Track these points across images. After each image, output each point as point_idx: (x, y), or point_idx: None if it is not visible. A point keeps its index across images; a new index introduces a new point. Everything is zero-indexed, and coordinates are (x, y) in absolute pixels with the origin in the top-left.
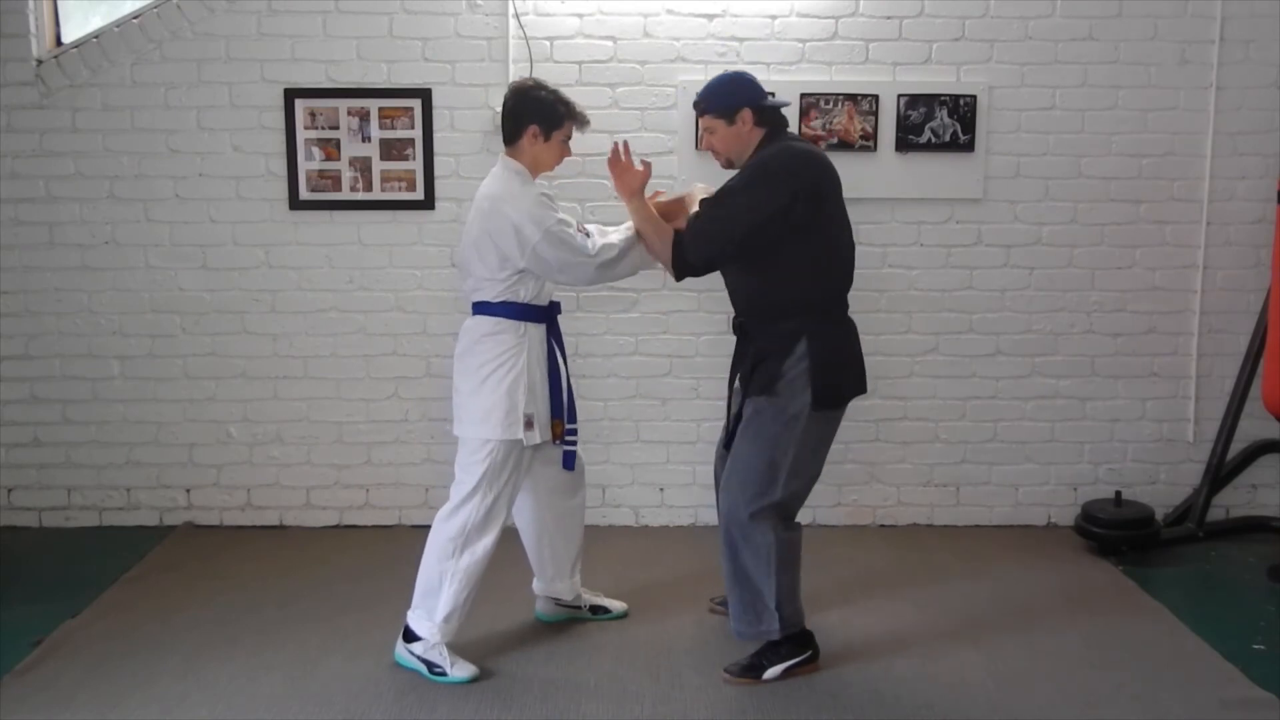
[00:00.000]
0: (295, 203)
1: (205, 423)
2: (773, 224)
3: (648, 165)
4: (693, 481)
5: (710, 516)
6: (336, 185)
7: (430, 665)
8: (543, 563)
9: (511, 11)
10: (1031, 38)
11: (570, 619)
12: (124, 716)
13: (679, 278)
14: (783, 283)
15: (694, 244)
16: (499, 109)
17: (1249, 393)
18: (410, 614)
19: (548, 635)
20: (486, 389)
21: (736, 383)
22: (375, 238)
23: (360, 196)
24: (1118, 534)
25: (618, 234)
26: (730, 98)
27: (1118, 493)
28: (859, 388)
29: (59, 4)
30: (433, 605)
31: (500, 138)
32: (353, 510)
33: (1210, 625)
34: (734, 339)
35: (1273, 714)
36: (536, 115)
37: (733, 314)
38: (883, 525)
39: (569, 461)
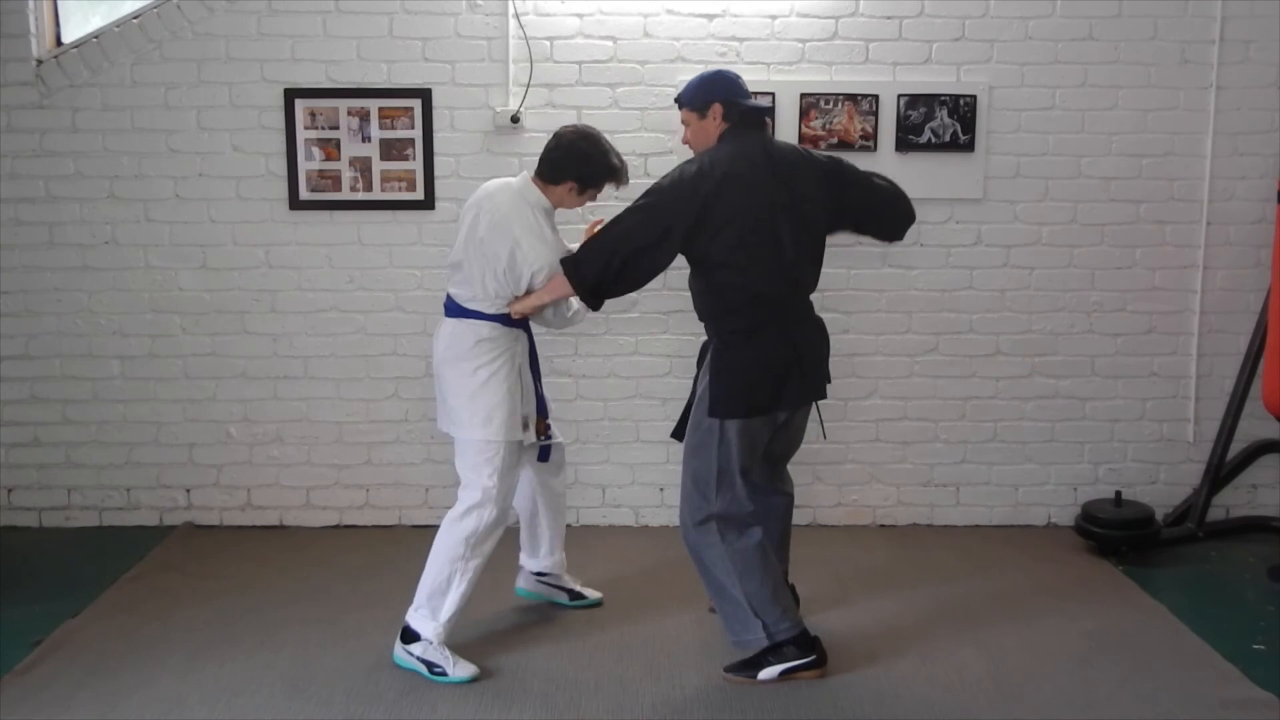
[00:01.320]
0: (295, 203)
1: (205, 423)
2: (656, 251)
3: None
4: None
5: None
6: (336, 185)
7: (430, 665)
8: (536, 540)
9: (511, 11)
10: (1031, 38)
11: (547, 600)
12: (124, 716)
13: (587, 302)
14: (704, 294)
15: (579, 262)
16: (499, 109)
17: (1249, 393)
18: (411, 614)
19: (548, 635)
20: (488, 392)
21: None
22: (375, 238)
23: (360, 196)
24: (1118, 534)
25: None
26: (704, 92)
27: (1118, 493)
28: (786, 400)
29: (59, 4)
30: (439, 605)
31: (501, 138)
32: (353, 510)
33: (1210, 625)
34: None
35: (1273, 714)
36: (578, 173)
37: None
38: (883, 525)
39: (544, 454)
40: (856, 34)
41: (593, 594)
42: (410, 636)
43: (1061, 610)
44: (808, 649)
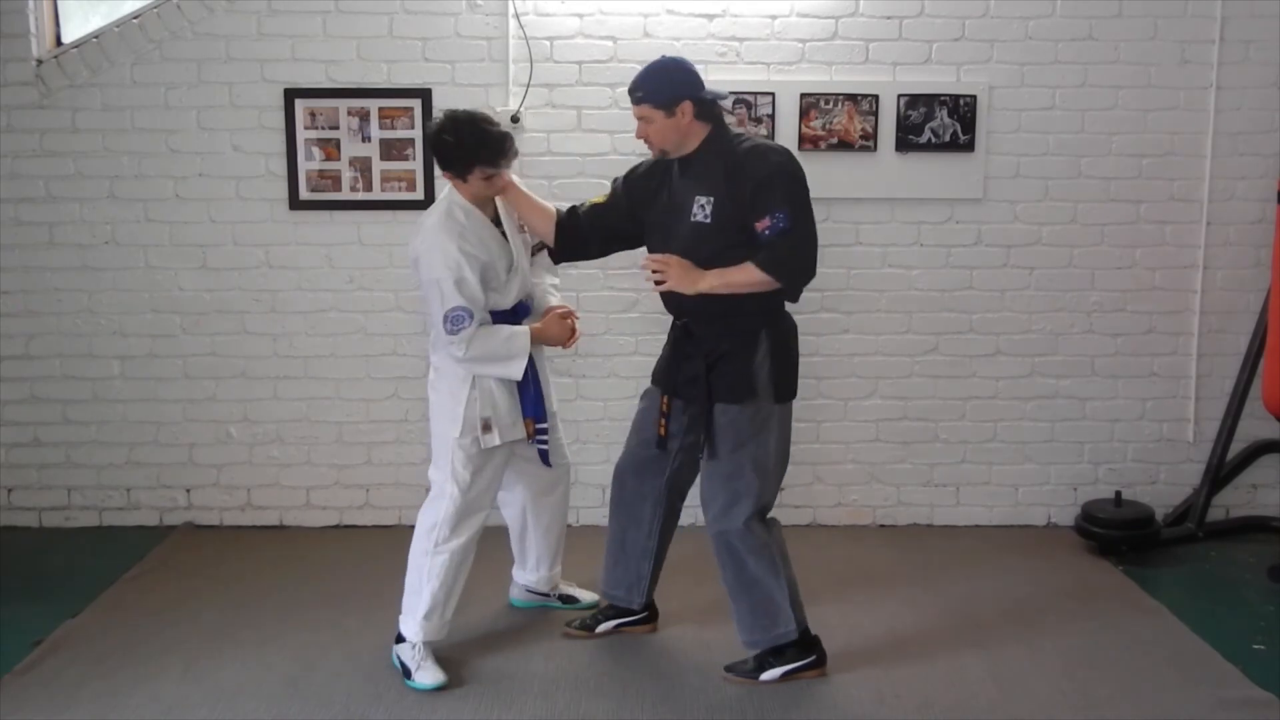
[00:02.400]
0: (295, 203)
1: (205, 423)
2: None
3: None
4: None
5: None
6: (336, 185)
7: (404, 668)
8: (523, 553)
9: (511, 11)
10: (1031, 38)
11: (541, 606)
12: (124, 716)
13: (795, 297)
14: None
15: (800, 275)
16: (499, 109)
17: (1249, 393)
18: (400, 616)
19: (548, 635)
20: (446, 388)
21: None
22: (375, 238)
23: (360, 196)
24: (1118, 534)
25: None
26: (671, 90)
27: (1118, 493)
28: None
29: (59, 4)
30: (414, 604)
31: None
32: (353, 510)
33: (1210, 625)
34: None
35: (1273, 714)
36: (441, 160)
37: (672, 319)
38: (883, 525)
39: (545, 459)
40: (856, 34)
41: (587, 596)
42: (401, 637)
43: (1061, 610)
44: (807, 650)
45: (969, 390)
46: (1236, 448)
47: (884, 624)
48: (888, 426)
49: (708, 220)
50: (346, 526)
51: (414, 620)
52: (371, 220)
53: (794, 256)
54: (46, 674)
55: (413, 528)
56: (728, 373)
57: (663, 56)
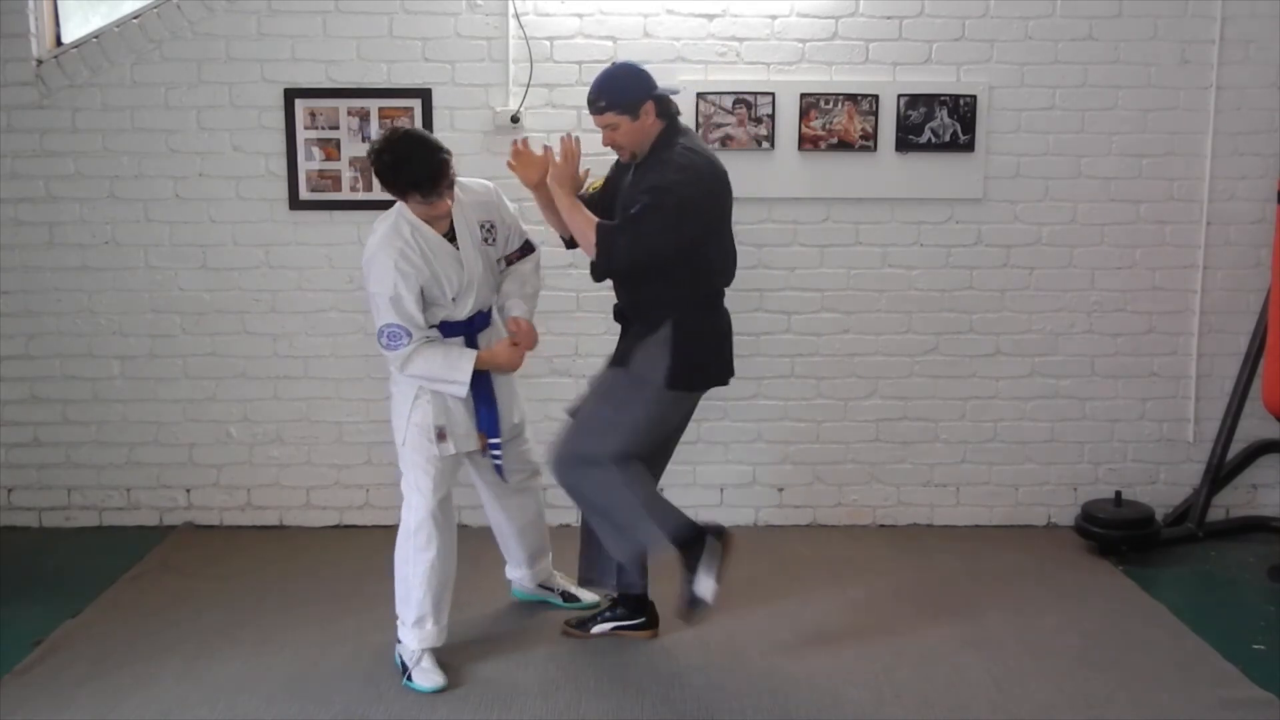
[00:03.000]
0: (295, 203)
1: (205, 423)
2: (688, 245)
3: (548, 150)
4: (693, 482)
5: (711, 516)
6: (336, 185)
7: (404, 669)
8: (508, 551)
9: (511, 11)
10: (1031, 38)
11: (542, 600)
12: (124, 716)
13: (599, 279)
14: (665, 280)
15: (606, 254)
16: (499, 109)
17: (1249, 393)
18: (398, 623)
19: (548, 636)
20: (403, 395)
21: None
22: None
23: (360, 196)
24: (1118, 534)
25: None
26: (633, 93)
27: (1118, 493)
28: (717, 379)
29: (59, 4)
30: (405, 611)
31: (501, 138)
32: (353, 510)
33: (1210, 625)
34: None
35: (1273, 714)
36: (378, 177)
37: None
38: (883, 525)
39: (500, 473)
40: (856, 34)
41: (588, 595)
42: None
43: (1061, 610)
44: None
45: (969, 390)
46: (1236, 448)
47: (884, 624)
48: (888, 426)
49: None
50: (346, 526)
51: (407, 628)
52: (371, 220)
53: (618, 234)
54: (46, 674)
55: None
56: (626, 346)
57: (613, 64)
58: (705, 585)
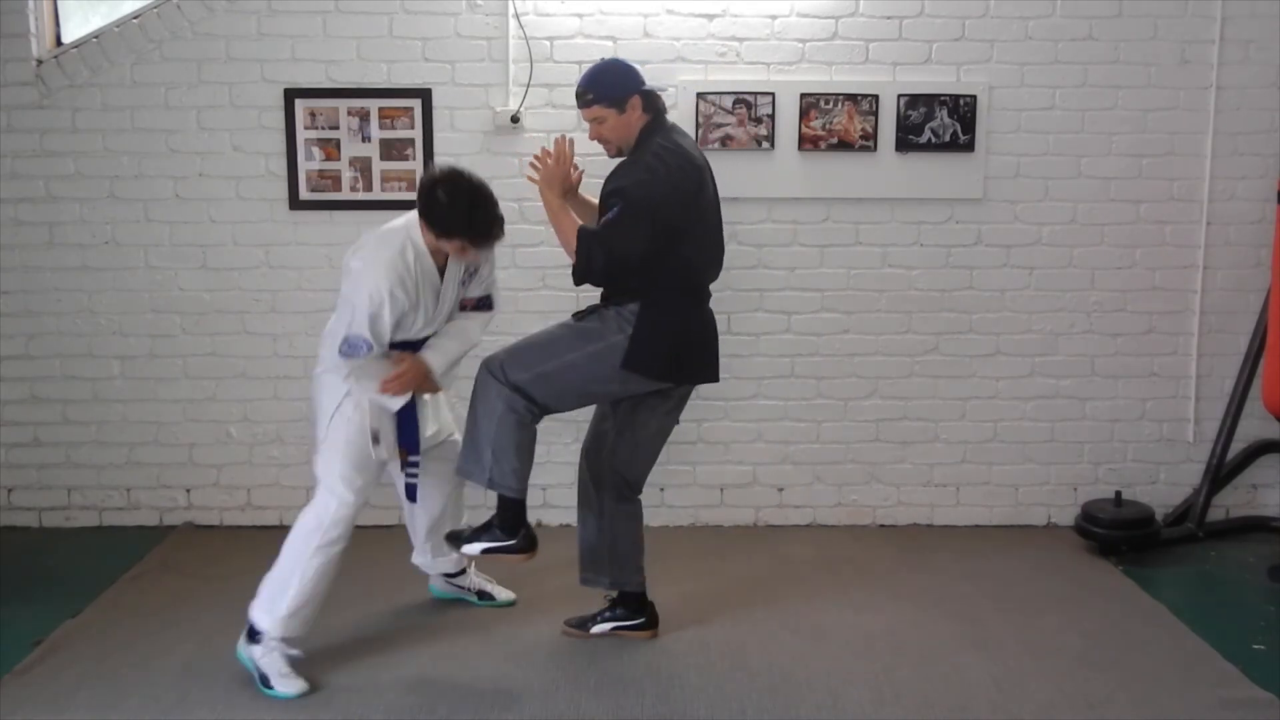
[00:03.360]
0: (295, 203)
1: (205, 423)
2: (662, 245)
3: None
4: (693, 482)
5: (710, 516)
6: (336, 185)
7: (262, 676)
8: (415, 538)
9: (511, 11)
10: (1031, 38)
11: (456, 598)
12: (124, 717)
13: (579, 283)
14: (640, 277)
15: (585, 261)
16: (499, 109)
17: (1249, 393)
18: (253, 606)
19: (548, 636)
20: (332, 388)
21: None
22: None
23: (360, 196)
24: (1118, 534)
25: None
26: (620, 87)
27: (1118, 493)
28: (684, 377)
29: (59, 4)
30: (278, 600)
31: (501, 138)
32: None
33: (1210, 625)
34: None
35: (1273, 714)
36: (422, 210)
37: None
38: (883, 525)
39: (410, 493)
40: (856, 34)
41: (504, 594)
42: (254, 634)
43: (1061, 610)
44: (515, 530)
45: (969, 390)
46: (1236, 448)
47: (884, 624)
48: (888, 426)
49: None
50: None
51: (273, 616)
52: (371, 220)
53: (595, 241)
54: (46, 674)
55: None
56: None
57: (601, 59)
58: (476, 545)
